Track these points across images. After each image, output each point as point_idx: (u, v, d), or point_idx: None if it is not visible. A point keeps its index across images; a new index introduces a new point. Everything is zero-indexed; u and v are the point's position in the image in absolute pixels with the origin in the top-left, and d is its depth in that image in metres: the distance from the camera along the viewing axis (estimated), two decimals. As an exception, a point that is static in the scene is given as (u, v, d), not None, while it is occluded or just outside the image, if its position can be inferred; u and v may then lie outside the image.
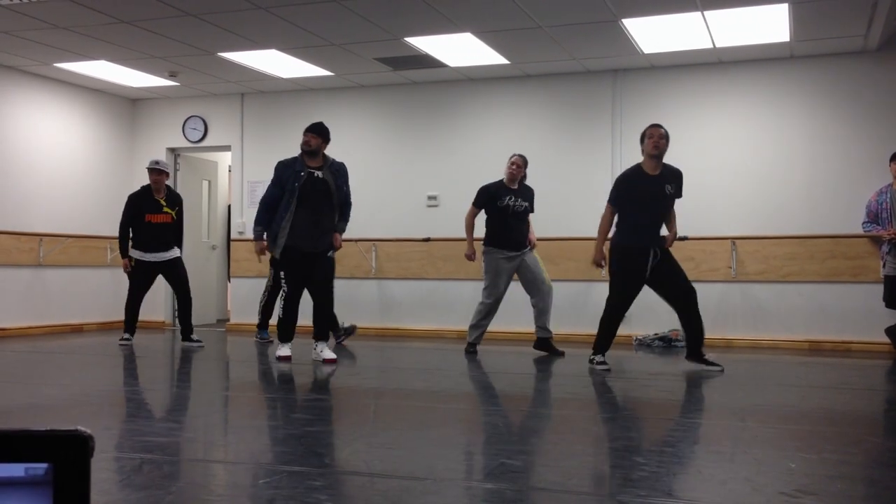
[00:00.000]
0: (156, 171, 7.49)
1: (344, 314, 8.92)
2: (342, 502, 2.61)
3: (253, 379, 5.98)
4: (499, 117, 9.02)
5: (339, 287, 9.29)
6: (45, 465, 0.73)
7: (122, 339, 7.64)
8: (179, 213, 7.65)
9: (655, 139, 5.78)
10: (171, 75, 8.97)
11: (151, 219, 7.49)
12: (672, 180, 5.89)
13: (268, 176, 9.81)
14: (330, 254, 6.35)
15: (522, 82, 8.91)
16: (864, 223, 7.49)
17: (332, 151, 9.60)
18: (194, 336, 7.56)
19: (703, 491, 2.78)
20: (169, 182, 8.02)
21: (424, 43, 7.60)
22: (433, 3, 6.45)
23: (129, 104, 10.31)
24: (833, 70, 7.95)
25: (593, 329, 8.49)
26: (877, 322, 7.47)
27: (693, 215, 8.22)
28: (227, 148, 10.20)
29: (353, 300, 9.21)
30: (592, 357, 6.06)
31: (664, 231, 6.08)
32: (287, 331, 6.45)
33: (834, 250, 7.87)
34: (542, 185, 8.73)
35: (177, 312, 7.56)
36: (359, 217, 9.24)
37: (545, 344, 6.96)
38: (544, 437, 3.91)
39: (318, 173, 6.24)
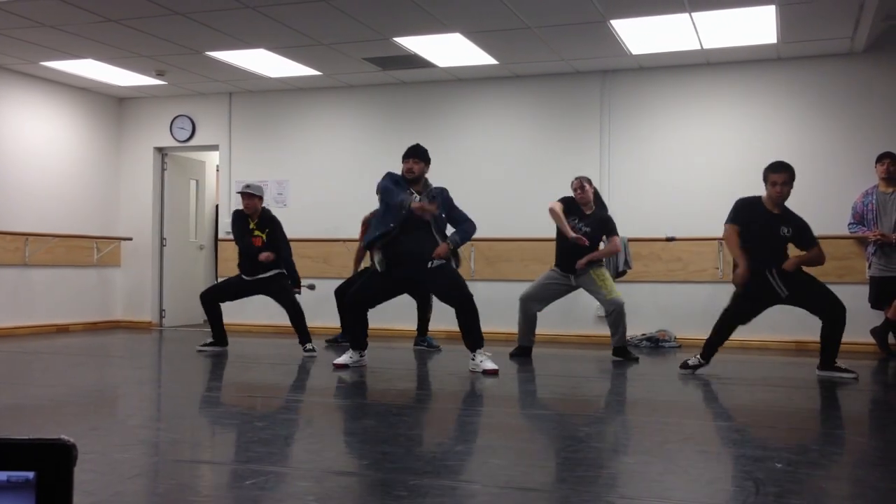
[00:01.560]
0: (246, 195, 7.14)
1: (331, 314, 8.90)
2: (329, 502, 2.61)
3: (238, 380, 5.95)
4: (487, 118, 9.02)
5: (328, 287, 9.28)
6: (29, 474, 0.73)
7: (204, 345, 7.28)
8: (271, 235, 7.26)
9: (778, 188, 5.69)
10: (159, 74, 8.93)
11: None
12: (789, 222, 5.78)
13: (256, 176, 9.84)
14: (434, 263, 5.88)
15: (511, 83, 8.92)
16: (849, 224, 7.53)
17: (319, 153, 9.64)
18: (308, 345, 7.10)
19: (689, 491, 2.78)
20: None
21: (413, 43, 7.59)
22: (422, 3, 6.44)
23: (116, 103, 10.26)
24: (820, 72, 7.99)
25: (580, 330, 8.52)
26: (862, 323, 7.50)
27: (680, 216, 8.25)
28: (214, 147, 10.17)
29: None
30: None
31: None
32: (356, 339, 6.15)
33: (820, 251, 7.90)
34: (530, 185, 8.75)
35: (292, 323, 7.22)
36: (347, 217, 9.24)
37: (623, 351, 6.85)
38: (531, 437, 3.91)
39: (418, 198, 5.89)
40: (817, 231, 7.89)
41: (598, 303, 6.97)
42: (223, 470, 3.06)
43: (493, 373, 5.69)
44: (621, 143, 8.56)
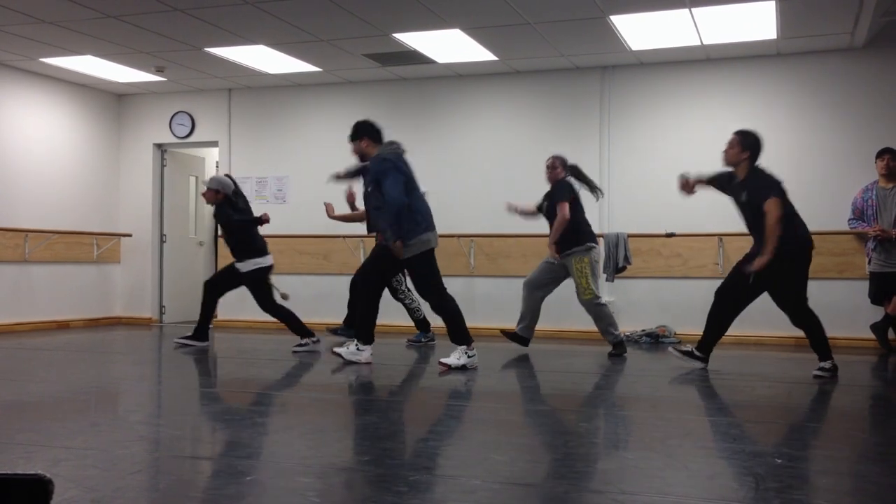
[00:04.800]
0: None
1: (334, 310, 8.92)
2: (330, 500, 2.61)
3: (238, 376, 5.95)
4: (487, 113, 9.02)
5: (329, 283, 9.28)
6: None
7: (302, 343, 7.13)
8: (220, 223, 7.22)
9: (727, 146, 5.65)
10: (158, 70, 8.92)
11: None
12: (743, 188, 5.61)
13: (255, 171, 9.84)
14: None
15: (511, 79, 8.91)
16: (849, 220, 7.54)
17: (319, 149, 9.64)
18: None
19: (690, 486, 2.79)
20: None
21: (413, 39, 7.58)
22: (421, -1, 6.44)
23: (115, 99, 10.25)
24: (820, 67, 7.99)
25: (580, 325, 8.53)
26: (862, 318, 7.52)
27: (680, 212, 8.25)
28: (214, 144, 10.16)
29: (342, 296, 9.19)
30: (827, 364, 5.58)
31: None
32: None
33: (820, 247, 7.86)
34: (529, 181, 8.74)
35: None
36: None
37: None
38: (533, 433, 3.91)
39: None
40: (816, 227, 7.92)
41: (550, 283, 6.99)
42: (224, 466, 3.07)
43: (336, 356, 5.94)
44: (621, 139, 8.56)
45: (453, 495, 2.64)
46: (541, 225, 8.62)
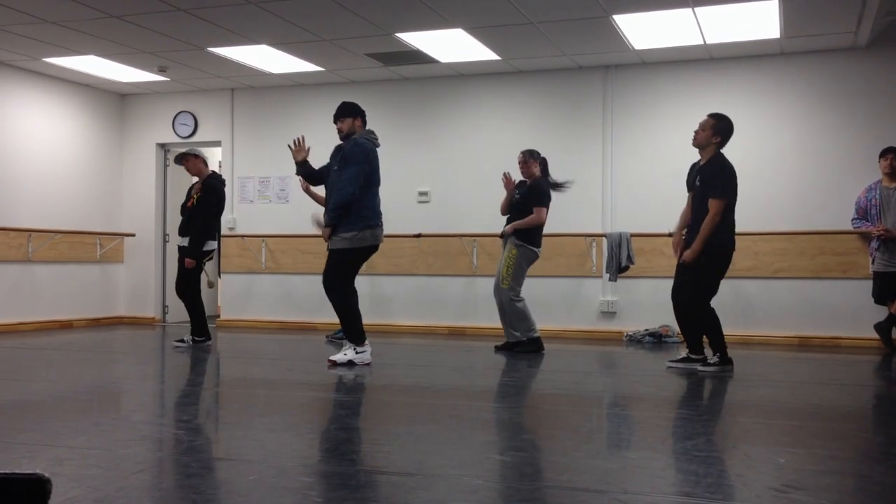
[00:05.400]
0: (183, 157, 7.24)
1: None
2: (332, 499, 2.61)
3: (241, 375, 5.96)
4: (490, 113, 9.01)
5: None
6: None
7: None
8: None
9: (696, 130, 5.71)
10: (161, 70, 8.93)
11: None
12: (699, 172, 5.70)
13: (258, 171, 9.85)
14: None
15: (513, 78, 8.91)
16: (853, 219, 7.52)
17: (321, 148, 9.61)
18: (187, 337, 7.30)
19: (693, 486, 2.78)
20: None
21: (415, 38, 7.58)
22: (424, -1, 6.43)
23: (118, 99, 10.27)
24: (823, 66, 7.98)
25: (582, 325, 8.51)
26: (866, 318, 7.51)
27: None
28: (217, 143, 10.17)
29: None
30: (714, 359, 5.72)
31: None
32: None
33: (823, 246, 7.90)
34: (533, 181, 8.74)
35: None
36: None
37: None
38: (535, 433, 3.91)
39: None
40: (820, 227, 7.92)
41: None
42: (226, 465, 3.07)
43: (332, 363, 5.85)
44: (624, 139, 8.55)
45: (454, 495, 2.64)
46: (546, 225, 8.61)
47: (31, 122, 9.13)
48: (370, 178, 5.90)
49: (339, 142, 6.15)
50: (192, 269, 7.02)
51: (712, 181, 5.59)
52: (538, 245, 6.85)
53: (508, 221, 6.85)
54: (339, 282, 5.86)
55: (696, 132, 5.73)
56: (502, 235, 6.86)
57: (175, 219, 10.41)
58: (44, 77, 9.22)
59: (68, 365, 6.28)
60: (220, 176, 7.42)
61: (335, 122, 6.13)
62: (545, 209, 6.78)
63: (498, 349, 6.83)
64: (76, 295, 9.56)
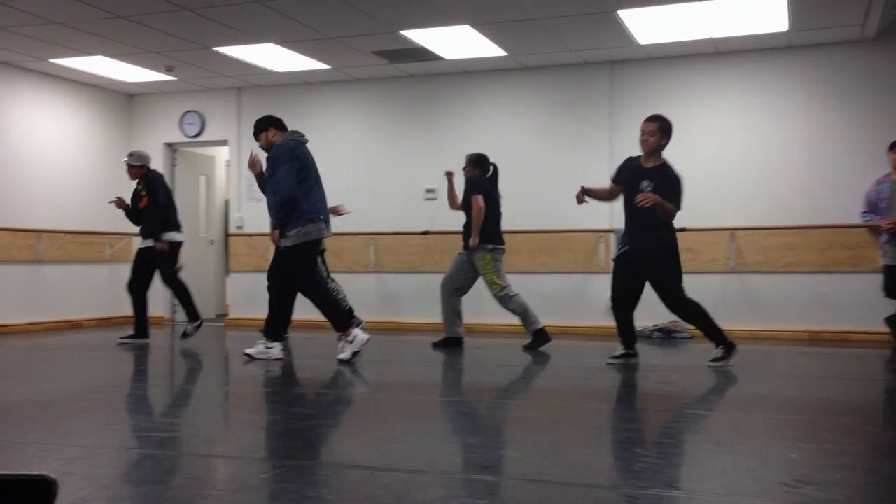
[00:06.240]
0: (127, 166, 7.37)
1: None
2: (343, 496, 2.61)
3: (251, 374, 5.97)
4: (496, 109, 9.00)
5: (340, 280, 9.27)
6: None
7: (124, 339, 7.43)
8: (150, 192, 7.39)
9: (644, 136, 5.66)
10: (168, 70, 8.94)
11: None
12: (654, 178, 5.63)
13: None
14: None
15: (519, 74, 8.90)
16: (862, 213, 7.48)
17: (328, 146, 9.64)
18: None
19: (703, 482, 2.78)
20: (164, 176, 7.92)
21: (421, 36, 7.58)
22: (430, -4, 6.42)
23: (125, 99, 10.29)
24: (830, 59, 7.94)
25: (590, 321, 8.50)
26: (876, 312, 7.47)
27: (691, 206, 8.20)
28: (224, 143, 10.19)
29: (351, 294, 9.20)
30: (718, 352, 5.71)
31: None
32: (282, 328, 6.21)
33: (833, 240, 7.87)
34: (539, 177, 8.74)
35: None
36: (357, 210, 9.25)
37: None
38: (544, 429, 3.91)
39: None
40: (829, 220, 7.89)
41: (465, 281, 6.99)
42: (238, 463, 3.08)
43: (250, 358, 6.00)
44: (630, 134, 8.52)
45: (471, 492, 2.64)
46: (551, 221, 8.62)
47: (39, 124, 9.16)
48: (304, 173, 5.93)
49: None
50: (173, 261, 7.26)
51: (669, 190, 5.51)
52: (501, 241, 6.82)
53: (465, 224, 6.82)
54: (286, 281, 5.97)
55: (646, 138, 5.66)
56: (466, 248, 6.80)
57: (182, 217, 10.43)
58: (51, 78, 9.25)
59: (78, 364, 6.31)
60: (156, 171, 7.49)
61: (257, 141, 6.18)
62: (480, 196, 6.73)
63: (527, 348, 6.78)
64: (85, 295, 9.60)
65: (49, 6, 6.73)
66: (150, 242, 7.17)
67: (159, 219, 7.13)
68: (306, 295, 6.04)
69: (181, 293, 7.31)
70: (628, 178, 5.72)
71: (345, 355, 5.93)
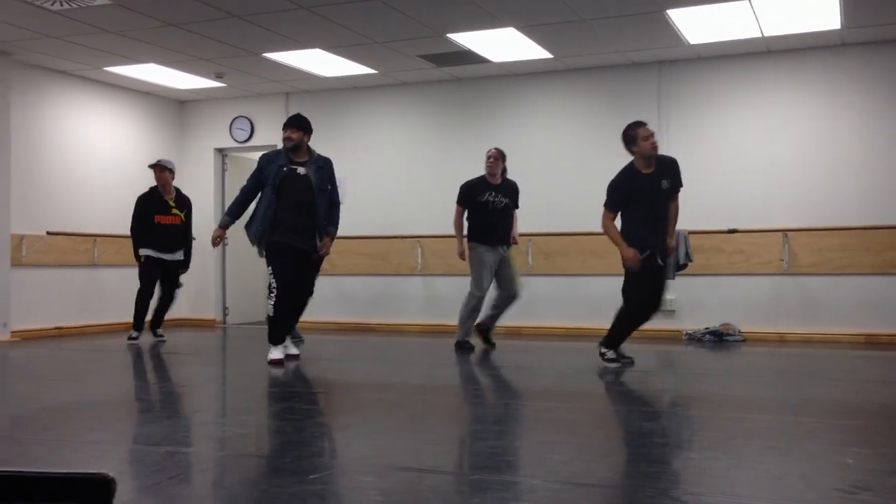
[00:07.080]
0: (158, 167, 7.78)
1: (390, 310, 8.98)
2: (392, 498, 2.63)
3: (302, 376, 6.02)
4: (543, 112, 8.97)
5: (385, 283, 9.33)
6: None
7: (132, 339, 7.77)
8: (188, 217, 7.95)
9: (652, 139, 5.66)
10: (218, 76, 9.09)
11: (161, 220, 7.77)
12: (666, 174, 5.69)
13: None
14: (314, 257, 6.09)
15: (566, 76, 8.85)
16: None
17: (375, 150, 9.70)
18: (160, 331, 8.01)
19: (757, 487, 2.73)
20: (185, 182, 8.26)
21: (467, 39, 7.59)
22: (476, -1, 6.43)
23: (177, 106, 10.48)
24: (885, 57, 7.75)
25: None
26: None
27: (743, 208, 8.09)
28: (273, 147, 10.29)
29: (398, 297, 9.25)
30: (604, 352, 5.76)
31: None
32: (280, 333, 6.15)
33: (889, 241, 7.68)
34: (587, 179, 8.66)
35: (156, 307, 8.03)
36: (404, 214, 9.30)
37: (486, 332, 7.04)
38: (590, 432, 3.88)
39: (301, 170, 5.96)
40: (885, 221, 7.70)
41: (500, 281, 6.94)
42: (288, 464, 3.11)
43: (279, 362, 5.99)
44: (679, 135, 8.43)
45: (514, 495, 2.63)
46: (596, 223, 8.53)
47: (94, 130, 9.37)
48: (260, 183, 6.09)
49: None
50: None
51: (678, 176, 5.77)
52: (486, 240, 6.91)
53: (496, 225, 6.97)
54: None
55: (653, 142, 5.70)
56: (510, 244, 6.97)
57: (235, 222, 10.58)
58: (106, 86, 9.46)
59: (132, 366, 6.44)
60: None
61: (288, 128, 6.14)
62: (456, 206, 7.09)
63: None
64: (139, 298, 9.76)
65: (103, 16, 6.88)
66: (179, 255, 7.86)
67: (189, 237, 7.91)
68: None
69: (167, 304, 8.03)
70: (640, 186, 5.69)
71: (276, 353, 6.03)
